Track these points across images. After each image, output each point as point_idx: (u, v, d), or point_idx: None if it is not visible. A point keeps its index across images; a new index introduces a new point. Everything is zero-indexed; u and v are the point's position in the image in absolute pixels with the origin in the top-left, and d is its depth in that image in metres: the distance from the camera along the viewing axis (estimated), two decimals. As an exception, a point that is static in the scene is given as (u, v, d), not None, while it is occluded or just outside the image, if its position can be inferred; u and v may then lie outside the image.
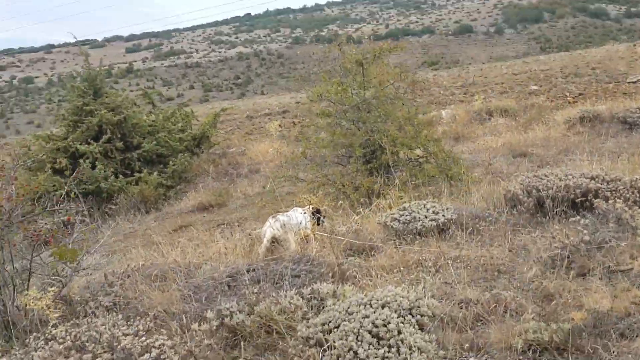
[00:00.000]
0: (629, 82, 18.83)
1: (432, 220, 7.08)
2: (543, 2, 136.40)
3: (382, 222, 7.45)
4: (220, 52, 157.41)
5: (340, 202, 9.59)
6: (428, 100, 21.33)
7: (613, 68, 21.13)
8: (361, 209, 8.65)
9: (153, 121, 17.19)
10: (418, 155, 10.47)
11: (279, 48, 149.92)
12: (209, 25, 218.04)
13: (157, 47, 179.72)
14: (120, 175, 15.27)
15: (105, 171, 14.92)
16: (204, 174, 16.34)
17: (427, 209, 7.46)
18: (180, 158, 15.85)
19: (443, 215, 7.21)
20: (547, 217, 7.06)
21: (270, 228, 7.30)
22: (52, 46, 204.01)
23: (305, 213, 8.03)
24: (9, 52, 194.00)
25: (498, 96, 20.09)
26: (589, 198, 7.13)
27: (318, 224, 8.18)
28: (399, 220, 7.26)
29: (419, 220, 7.16)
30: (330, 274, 5.79)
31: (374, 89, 10.38)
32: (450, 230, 6.97)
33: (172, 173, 15.53)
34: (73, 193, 14.49)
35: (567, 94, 19.07)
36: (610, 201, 6.23)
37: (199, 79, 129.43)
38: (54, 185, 14.61)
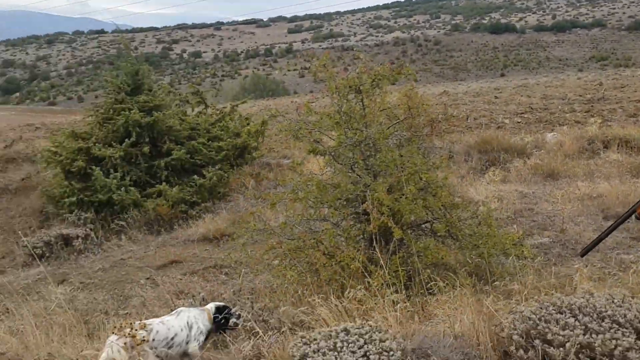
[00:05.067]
0: None
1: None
2: None
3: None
4: (377, 36, 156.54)
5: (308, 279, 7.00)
6: (537, 117, 17.52)
7: None
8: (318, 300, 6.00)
9: (197, 124, 15.28)
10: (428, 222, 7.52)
11: (437, 34, 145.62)
12: (370, 9, 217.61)
13: (317, 28, 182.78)
14: (141, 186, 13.57)
15: (121, 179, 13.25)
16: (241, 190, 14.18)
17: (360, 343, 4.70)
18: (211, 171, 13.78)
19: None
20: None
21: (109, 347, 4.85)
22: (221, 23, 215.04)
23: (203, 313, 5.53)
24: (182, 27, 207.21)
25: (625, 120, 15.90)
26: (625, 371, 4.04)
27: (224, 331, 5.64)
28: None
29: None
30: None
31: (377, 127, 7.51)
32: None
33: (199, 188, 13.52)
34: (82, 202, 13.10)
35: None
36: None
37: (354, 62, 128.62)
38: (65, 192, 13.23)
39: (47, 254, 11.53)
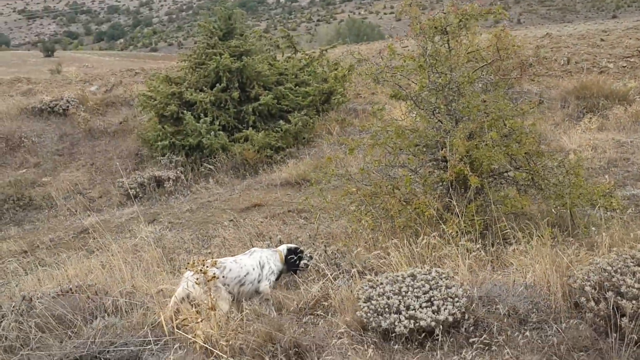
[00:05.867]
0: None
1: (416, 318, 4.31)
2: None
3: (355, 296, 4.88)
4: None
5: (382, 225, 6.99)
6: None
7: None
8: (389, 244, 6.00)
9: (285, 69, 15.32)
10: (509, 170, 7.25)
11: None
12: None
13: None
14: (229, 131, 13.88)
15: (211, 124, 13.58)
16: (325, 136, 14.21)
17: (425, 289, 4.67)
18: (297, 116, 13.86)
19: (446, 308, 4.41)
20: (622, 346, 4.02)
21: (185, 282, 5.10)
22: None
23: (275, 254, 5.69)
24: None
25: None
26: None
27: (295, 272, 5.79)
28: (371, 302, 4.61)
29: (399, 312, 4.45)
30: None
31: (463, 70, 7.23)
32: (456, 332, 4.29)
33: (284, 133, 13.66)
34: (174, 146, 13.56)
35: None
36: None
37: (456, 3, 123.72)
38: (158, 135, 13.75)
39: (141, 195, 12.13)
